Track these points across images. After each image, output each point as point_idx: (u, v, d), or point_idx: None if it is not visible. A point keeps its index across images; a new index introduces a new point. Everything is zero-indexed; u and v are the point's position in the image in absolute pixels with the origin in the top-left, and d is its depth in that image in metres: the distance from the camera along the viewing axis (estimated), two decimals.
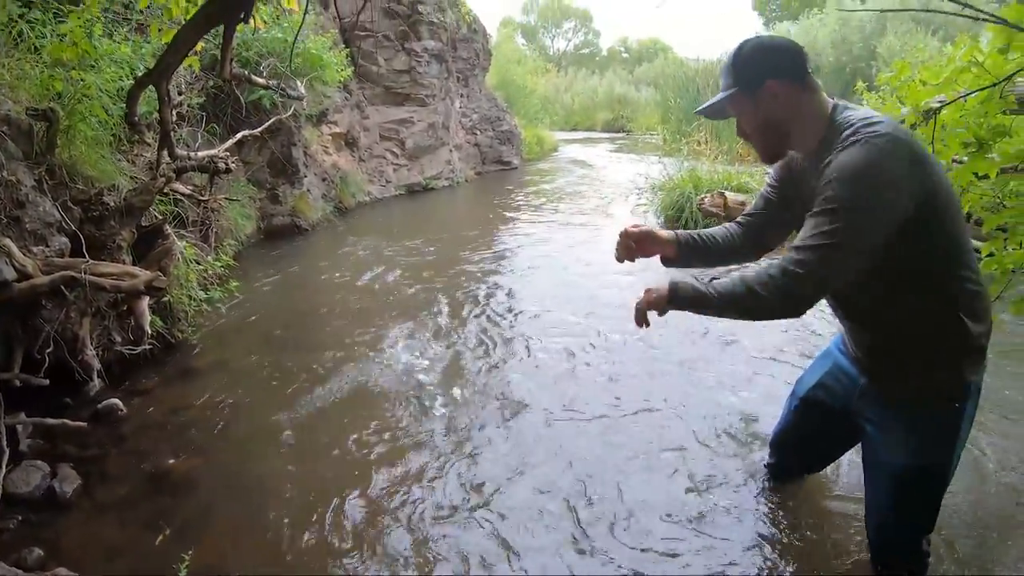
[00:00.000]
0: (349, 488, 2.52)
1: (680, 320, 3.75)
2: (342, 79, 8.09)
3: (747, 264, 2.06)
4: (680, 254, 2.01)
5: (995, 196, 2.66)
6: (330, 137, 8.21)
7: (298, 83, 6.51)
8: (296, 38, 5.18)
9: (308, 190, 7.11)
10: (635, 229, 1.99)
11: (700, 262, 2.08)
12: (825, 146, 1.68)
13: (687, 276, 1.77)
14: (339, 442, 2.86)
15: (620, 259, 2.04)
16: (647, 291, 1.80)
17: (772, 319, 1.70)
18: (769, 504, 2.43)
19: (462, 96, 12.50)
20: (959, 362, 1.70)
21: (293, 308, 4.67)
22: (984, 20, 2.21)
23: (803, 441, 2.36)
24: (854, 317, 1.87)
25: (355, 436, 2.90)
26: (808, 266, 1.55)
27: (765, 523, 2.34)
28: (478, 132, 13.07)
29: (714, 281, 1.71)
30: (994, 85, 2.31)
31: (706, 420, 3.01)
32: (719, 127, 11.08)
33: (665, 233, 2.00)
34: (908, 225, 1.54)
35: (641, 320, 1.81)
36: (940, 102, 2.63)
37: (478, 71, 13.37)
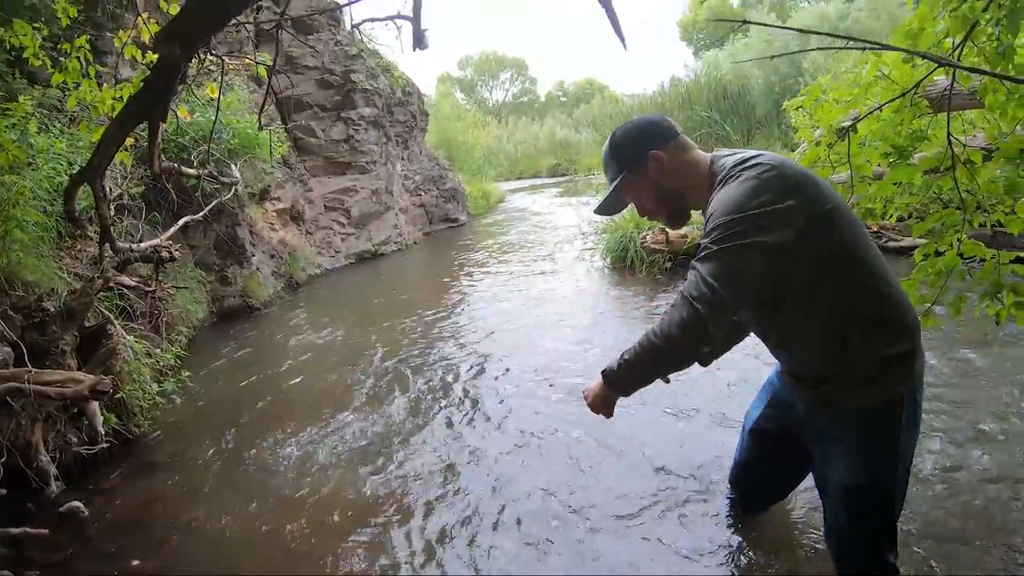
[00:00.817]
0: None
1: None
2: (280, 155, 8.11)
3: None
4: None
5: (921, 201, 2.75)
6: (275, 213, 8.19)
7: (233, 166, 6.52)
8: (215, 124, 5.15)
9: (257, 269, 7.05)
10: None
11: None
12: (710, 193, 1.76)
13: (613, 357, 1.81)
14: (310, 530, 2.78)
15: None
16: (583, 394, 1.90)
17: (691, 357, 1.72)
18: (736, 539, 2.44)
19: (403, 159, 12.60)
20: (883, 374, 1.71)
21: (249, 393, 4.56)
22: (881, 49, 2.29)
23: (759, 473, 2.38)
24: (777, 345, 1.92)
25: (323, 519, 2.84)
26: (690, 288, 1.61)
27: (737, 557, 2.34)
28: (422, 193, 13.15)
29: (627, 350, 1.75)
30: (903, 95, 2.39)
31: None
32: None
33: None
34: (793, 247, 1.60)
35: (601, 413, 1.88)
36: (853, 118, 2.70)
37: (416, 132, 13.53)
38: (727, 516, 2.56)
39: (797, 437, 2.04)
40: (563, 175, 26.05)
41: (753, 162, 1.67)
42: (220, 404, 4.37)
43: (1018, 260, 2.47)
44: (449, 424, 3.71)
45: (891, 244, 5.94)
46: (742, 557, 2.34)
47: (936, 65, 2.24)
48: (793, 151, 7.72)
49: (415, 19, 3.04)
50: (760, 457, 2.31)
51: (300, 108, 9.84)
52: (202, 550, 2.72)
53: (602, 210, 1.99)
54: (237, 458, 3.53)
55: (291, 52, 9.68)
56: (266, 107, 8.42)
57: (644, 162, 1.85)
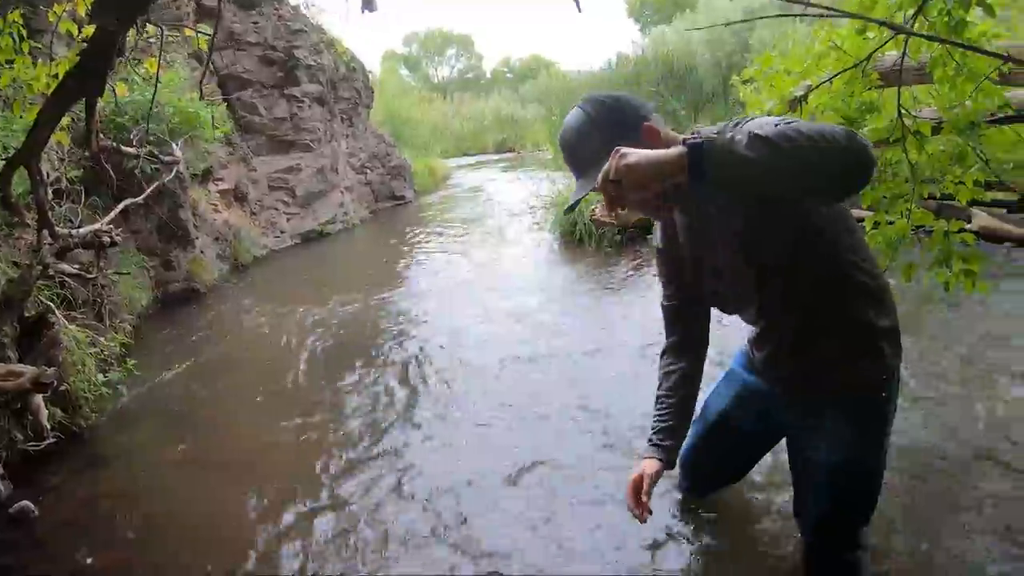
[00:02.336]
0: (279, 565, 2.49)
1: None
2: (223, 133, 7.92)
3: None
4: (673, 454, 2.02)
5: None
6: (218, 194, 8.01)
7: (174, 146, 6.34)
8: (154, 98, 4.96)
9: (201, 252, 6.91)
10: (643, 496, 1.90)
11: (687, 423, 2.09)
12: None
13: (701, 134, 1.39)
14: (261, 515, 2.80)
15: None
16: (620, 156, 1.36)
17: (840, 166, 1.26)
18: (695, 522, 2.46)
19: (348, 136, 12.42)
20: (879, 348, 1.69)
21: (197, 379, 4.53)
22: (838, 16, 2.35)
23: (717, 461, 2.35)
24: (769, 315, 1.79)
25: (279, 504, 2.85)
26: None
27: (696, 541, 2.38)
28: (368, 170, 13.01)
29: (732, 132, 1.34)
30: (855, 66, 2.43)
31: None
32: None
33: (653, 465, 1.95)
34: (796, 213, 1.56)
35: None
36: (805, 89, 2.74)
37: (361, 109, 13.33)
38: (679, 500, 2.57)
39: (767, 426, 2.06)
40: (509, 151, 26.09)
41: None
42: (168, 392, 4.32)
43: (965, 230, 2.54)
44: (409, 408, 3.73)
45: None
46: (704, 539, 2.36)
47: (889, 35, 2.30)
48: None
49: None
50: (720, 447, 2.28)
51: (243, 85, 9.59)
52: (157, 543, 2.71)
53: (573, 208, 1.76)
54: (187, 446, 3.51)
55: (233, 27, 9.41)
56: (206, 83, 8.22)
57: (637, 134, 1.57)
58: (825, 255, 1.63)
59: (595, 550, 2.35)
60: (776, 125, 1.28)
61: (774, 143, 1.24)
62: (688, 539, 2.36)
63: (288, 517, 2.77)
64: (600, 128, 1.61)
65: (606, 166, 1.37)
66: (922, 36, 2.11)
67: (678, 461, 2.31)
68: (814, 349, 1.74)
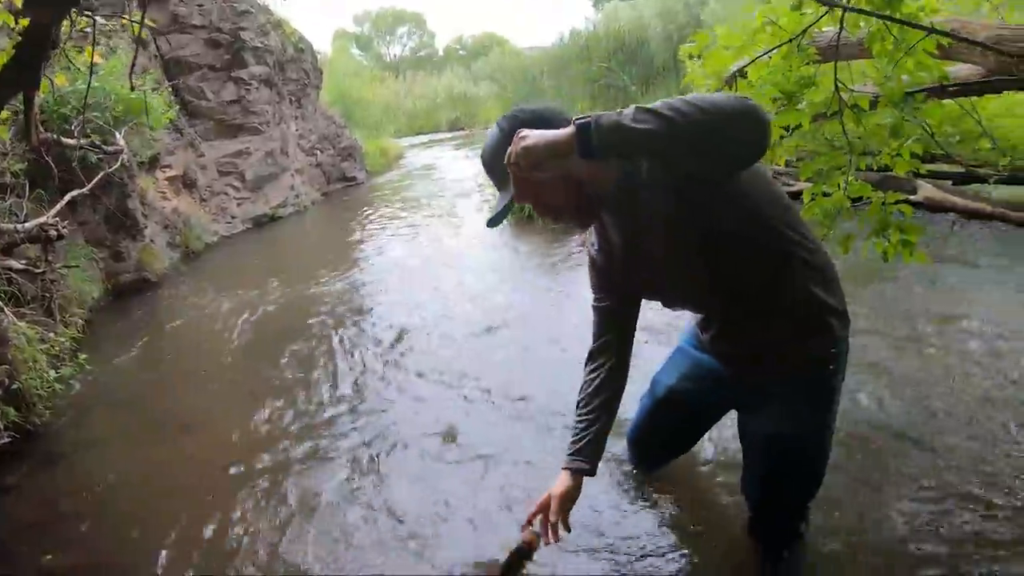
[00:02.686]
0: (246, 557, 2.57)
1: None
2: (169, 120, 7.82)
3: None
4: (595, 462, 1.93)
5: (807, 144, 2.86)
6: (166, 181, 7.92)
7: (117, 134, 6.26)
8: (88, 88, 4.84)
9: (151, 241, 6.86)
10: (552, 517, 1.83)
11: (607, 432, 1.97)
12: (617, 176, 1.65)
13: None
14: (225, 507, 2.87)
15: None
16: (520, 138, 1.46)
17: (730, 132, 1.35)
18: (647, 500, 2.51)
19: (297, 118, 12.29)
20: (828, 324, 1.71)
21: (150, 371, 4.60)
22: None
23: (666, 437, 2.37)
24: (713, 299, 1.80)
25: (236, 495, 2.93)
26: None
27: (647, 517, 2.43)
28: (319, 152, 12.91)
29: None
30: (791, 40, 2.46)
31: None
32: None
33: (571, 480, 1.88)
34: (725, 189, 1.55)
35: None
36: (742, 65, 2.76)
37: (311, 90, 13.17)
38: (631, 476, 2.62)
39: (715, 401, 2.11)
40: (461, 129, 25.94)
41: None
42: (121, 385, 4.37)
43: (904, 200, 2.60)
44: (357, 389, 3.86)
45: (784, 189, 6.30)
46: (657, 517, 2.41)
47: (824, 11, 2.34)
48: None
49: None
50: (668, 423, 2.30)
51: (189, 69, 9.44)
52: (116, 540, 2.76)
53: (496, 220, 1.70)
54: (143, 440, 3.59)
55: (178, 11, 9.23)
56: (152, 69, 8.11)
57: None
58: (764, 234, 1.64)
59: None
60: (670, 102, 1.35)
61: (659, 113, 1.32)
62: (639, 517, 2.42)
63: (248, 503, 2.87)
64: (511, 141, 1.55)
65: (508, 148, 1.47)
66: (856, 11, 2.18)
67: (627, 438, 2.49)
68: (762, 330, 1.76)
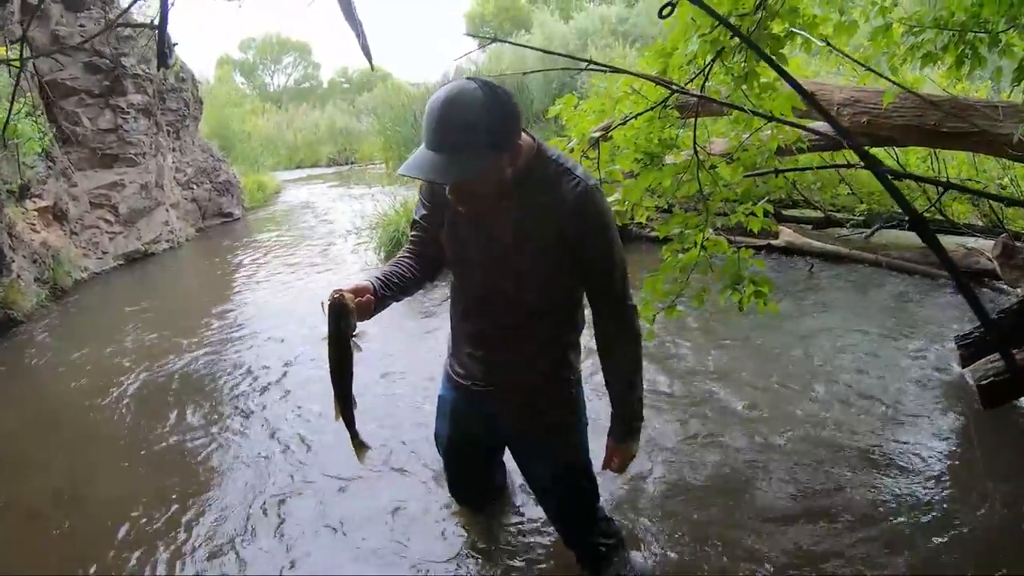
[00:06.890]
0: None
1: None
2: (42, 147, 7.52)
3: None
4: (379, 303, 1.82)
5: (671, 200, 3.03)
6: (36, 213, 7.55)
7: None
8: None
9: (18, 276, 6.54)
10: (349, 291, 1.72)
11: (393, 301, 1.89)
12: (528, 174, 1.71)
13: (623, 415, 2.01)
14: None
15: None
16: (616, 454, 2.05)
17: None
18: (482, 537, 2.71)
19: (175, 150, 11.98)
20: (575, 390, 2.09)
21: (10, 418, 4.43)
22: (628, 75, 2.61)
23: (470, 479, 2.62)
24: (500, 311, 1.94)
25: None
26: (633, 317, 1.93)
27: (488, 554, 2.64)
28: (195, 186, 12.59)
29: (629, 390, 1.98)
30: (651, 109, 2.64)
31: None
32: None
33: (364, 283, 1.79)
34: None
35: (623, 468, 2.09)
36: (605, 127, 2.94)
37: (189, 121, 12.88)
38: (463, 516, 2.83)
39: (490, 434, 2.27)
40: (344, 163, 25.99)
41: (583, 171, 1.78)
42: None
43: (758, 250, 2.87)
44: (223, 430, 3.86)
45: (653, 234, 6.55)
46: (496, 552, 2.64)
47: (686, 82, 2.56)
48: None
49: (160, 31, 2.55)
50: (466, 467, 2.54)
51: (67, 94, 9.05)
52: None
53: (410, 173, 1.58)
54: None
55: (59, 31, 8.85)
56: (29, 92, 7.77)
57: (512, 146, 1.61)
58: (562, 315, 1.97)
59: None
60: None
61: (638, 382, 2.01)
62: (477, 554, 2.64)
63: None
64: (491, 117, 1.53)
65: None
66: (707, 99, 2.40)
67: (449, 491, 2.75)
68: (525, 372, 2.02)
